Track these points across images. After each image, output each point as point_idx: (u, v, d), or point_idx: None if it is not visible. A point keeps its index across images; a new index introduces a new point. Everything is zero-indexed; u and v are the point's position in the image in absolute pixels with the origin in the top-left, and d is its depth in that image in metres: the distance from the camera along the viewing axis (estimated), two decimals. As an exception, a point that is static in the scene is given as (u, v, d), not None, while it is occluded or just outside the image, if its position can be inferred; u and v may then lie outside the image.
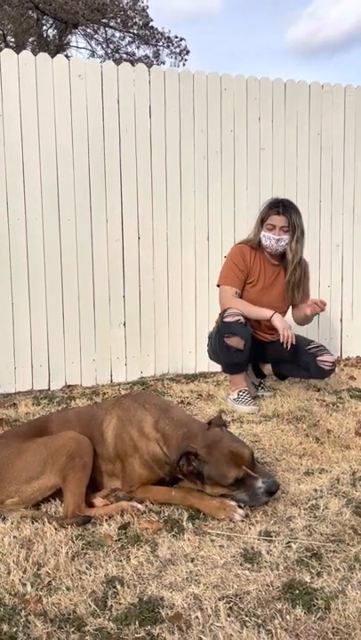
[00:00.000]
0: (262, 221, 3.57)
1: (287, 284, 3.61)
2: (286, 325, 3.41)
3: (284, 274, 3.62)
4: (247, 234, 3.73)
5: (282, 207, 3.52)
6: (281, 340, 3.38)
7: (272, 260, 3.63)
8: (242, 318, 3.41)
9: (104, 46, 17.99)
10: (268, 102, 4.59)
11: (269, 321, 3.43)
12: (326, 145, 4.80)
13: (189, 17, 32.70)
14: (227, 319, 3.42)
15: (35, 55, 3.98)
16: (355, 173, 4.90)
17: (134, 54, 17.79)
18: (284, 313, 3.66)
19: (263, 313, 3.46)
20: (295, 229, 3.51)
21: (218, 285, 3.68)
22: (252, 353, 3.54)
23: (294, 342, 3.41)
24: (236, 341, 3.39)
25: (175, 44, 17.62)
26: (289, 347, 3.38)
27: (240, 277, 3.58)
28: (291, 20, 40.68)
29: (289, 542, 1.91)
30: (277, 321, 3.41)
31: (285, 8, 40.99)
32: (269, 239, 3.51)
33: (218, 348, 3.52)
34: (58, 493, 2.17)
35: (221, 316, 3.51)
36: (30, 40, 17.11)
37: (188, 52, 17.76)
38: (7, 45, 15.76)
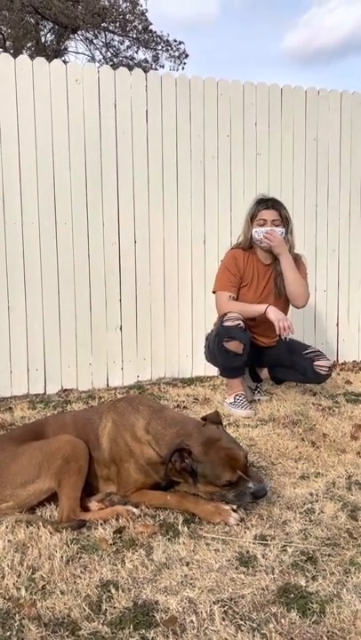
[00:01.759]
0: (252, 219, 3.59)
1: (278, 274, 3.61)
2: (281, 316, 3.39)
3: (276, 272, 3.63)
4: (240, 234, 3.75)
5: (271, 202, 3.58)
6: (278, 333, 3.37)
7: (265, 261, 3.64)
8: (241, 323, 3.40)
9: (103, 51, 18.07)
10: (265, 107, 4.61)
11: (265, 315, 3.42)
12: (322, 150, 4.82)
13: (185, 24, 32.93)
14: (226, 323, 3.41)
15: (32, 60, 3.99)
16: (351, 178, 4.92)
17: (133, 58, 17.88)
18: (281, 311, 3.66)
19: (257, 308, 3.46)
20: (289, 222, 3.57)
21: (213, 292, 3.69)
22: (249, 357, 3.54)
23: (293, 332, 3.40)
24: (235, 346, 3.39)
25: (174, 48, 17.72)
26: (288, 336, 3.38)
27: (234, 282, 3.59)
28: (288, 28, 41.01)
29: (284, 546, 1.91)
30: (271, 313, 3.40)
31: (282, 16, 41.30)
32: (262, 234, 3.53)
33: (216, 351, 3.52)
34: (53, 497, 2.17)
35: (220, 320, 3.51)
36: (28, 45, 17.15)
37: (187, 56, 17.87)
38: (5, 50, 15.79)
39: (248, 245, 3.63)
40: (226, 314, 3.47)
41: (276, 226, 3.53)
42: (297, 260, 3.66)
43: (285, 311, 3.68)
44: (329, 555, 1.86)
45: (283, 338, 3.38)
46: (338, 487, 2.38)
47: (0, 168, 3.93)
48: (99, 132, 4.16)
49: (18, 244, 4.01)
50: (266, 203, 3.58)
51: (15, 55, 4.04)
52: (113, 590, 1.66)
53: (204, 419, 2.31)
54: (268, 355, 3.72)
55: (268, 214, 3.54)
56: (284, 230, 3.55)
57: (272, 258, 3.64)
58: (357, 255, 5.00)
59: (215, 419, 2.30)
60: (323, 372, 3.53)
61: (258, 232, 3.55)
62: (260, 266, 3.65)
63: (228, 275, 3.59)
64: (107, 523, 2.07)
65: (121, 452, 2.25)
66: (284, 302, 3.67)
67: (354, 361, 5.05)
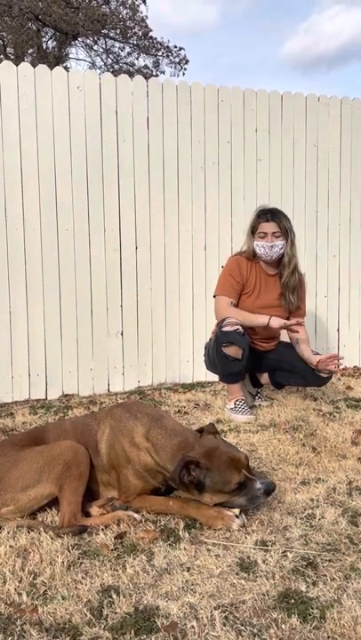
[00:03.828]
0: (253, 231, 3.59)
1: (283, 287, 3.61)
2: (283, 322, 3.44)
3: (279, 282, 3.64)
4: (244, 244, 3.75)
5: (270, 214, 3.55)
6: (289, 324, 3.44)
7: (268, 271, 3.64)
8: (240, 327, 3.41)
9: (104, 57, 18.16)
10: (265, 114, 4.64)
11: (267, 326, 3.44)
12: (323, 156, 4.84)
13: (186, 31, 33.13)
14: (225, 328, 3.42)
15: (34, 67, 4.01)
16: (351, 184, 4.94)
17: (134, 64, 17.96)
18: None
19: (260, 319, 3.47)
20: (288, 233, 3.54)
21: (214, 296, 3.69)
22: (249, 362, 3.55)
23: (302, 323, 3.50)
24: (234, 351, 3.40)
25: (175, 54, 17.79)
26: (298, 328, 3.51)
27: (236, 288, 3.59)
28: (288, 35, 41.19)
29: (285, 551, 1.91)
30: (275, 323, 3.42)
31: (282, 23, 41.51)
32: (263, 247, 3.53)
33: (216, 357, 3.52)
34: (54, 502, 2.17)
35: (219, 325, 3.51)
36: (30, 51, 17.23)
37: (187, 62, 17.95)
38: (7, 56, 15.87)
39: (252, 255, 3.63)
40: (224, 319, 3.48)
41: (277, 237, 3.53)
42: (300, 278, 3.68)
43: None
44: (329, 560, 1.87)
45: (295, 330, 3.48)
46: (338, 493, 2.38)
47: (2, 174, 3.96)
48: (100, 138, 4.19)
49: (19, 250, 4.02)
50: (266, 215, 3.55)
51: (17, 62, 4.06)
52: (114, 596, 1.67)
53: (200, 430, 2.32)
54: (267, 359, 3.73)
55: (269, 227, 3.52)
56: (283, 243, 3.54)
57: (276, 269, 3.64)
58: (358, 260, 5.02)
59: (211, 429, 2.31)
60: (323, 375, 3.55)
61: (259, 246, 3.55)
62: (265, 276, 3.65)
63: (231, 280, 3.60)
64: (108, 528, 2.08)
65: (118, 457, 2.26)
66: (283, 313, 3.67)
67: (355, 366, 5.06)
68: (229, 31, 41.98)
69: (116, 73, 4.66)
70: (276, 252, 3.53)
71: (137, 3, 16.91)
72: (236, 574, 1.79)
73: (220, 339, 3.43)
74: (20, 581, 1.76)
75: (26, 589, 1.71)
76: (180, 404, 3.85)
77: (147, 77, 4.43)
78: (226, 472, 2.07)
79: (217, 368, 3.65)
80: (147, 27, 17.36)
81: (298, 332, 3.52)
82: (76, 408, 3.81)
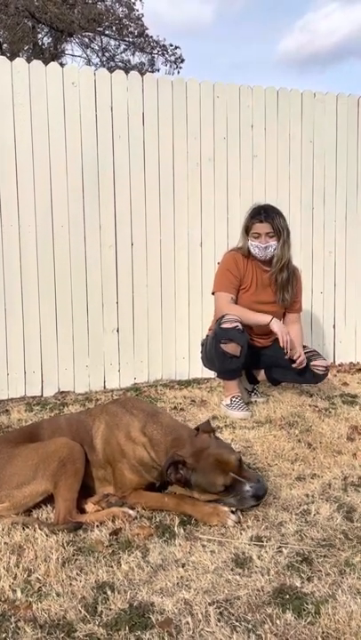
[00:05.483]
0: (247, 230, 3.58)
1: (274, 284, 3.61)
2: (285, 330, 3.43)
3: (275, 278, 3.64)
4: (239, 241, 3.74)
5: (264, 214, 3.52)
6: (281, 345, 3.39)
7: (264, 267, 3.64)
8: (239, 325, 3.40)
9: (99, 54, 18.09)
10: (261, 110, 4.63)
11: (267, 326, 3.43)
12: (318, 153, 4.83)
13: (182, 29, 33.06)
14: (224, 325, 3.41)
15: (28, 62, 4.00)
16: (347, 181, 4.93)
17: (129, 62, 17.90)
18: (279, 317, 3.67)
19: (261, 318, 3.46)
20: (281, 233, 3.52)
21: (213, 293, 3.69)
22: (246, 358, 3.54)
23: (295, 348, 3.44)
24: (232, 348, 3.39)
25: (170, 52, 17.75)
26: (290, 351, 3.40)
27: (234, 283, 3.59)
28: (284, 33, 41.15)
29: (280, 547, 1.91)
30: (275, 326, 3.41)
31: (278, 21, 41.45)
32: (257, 248, 3.52)
33: (214, 353, 3.51)
34: (49, 499, 2.17)
35: (218, 321, 3.50)
36: (25, 48, 17.15)
37: (182, 61, 17.90)
38: (2, 53, 15.79)
39: (247, 252, 3.62)
40: (224, 315, 3.47)
41: (271, 238, 3.52)
42: (295, 272, 3.68)
43: (281, 316, 3.71)
44: (324, 556, 1.87)
45: (285, 353, 3.40)
46: (334, 488, 2.39)
47: (-3, 171, 3.94)
48: (95, 135, 4.17)
49: (15, 247, 4.00)
50: (259, 216, 3.52)
51: (12, 59, 4.04)
52: (109, 592, 1.66)
53: (197, 429, 2.32)
54: (264, 355, 3.72)
55: (262, 228, 3.50)
56: (275, 244, 3.53)
57: (270, 266, 3.63)
58: (354, 257, 5.01)
59: (206, 428, 2.30)
60: (320, 372, 3.55)
61: (253, 246, 3.54)
62: (260, 271, 3.64)
63: (229, 276, 3.59)
64: (103, 525, 2.07)
65: (114, 452, 2.26)
66: (279, 310, 3.67)
67: (350, 362, 5.06)
68: (225, 30, 41.82)
69: (112, 69, 4.64)
70: (271, 253, 3.53)
71: (132, 0, 16.85)
72: (231, 570, 1.79)
73: (219, 336, 3.42)
74: (14, 578, 1.75)
75: (20, 586, 1.71)
76: (177, 401, 3.85)
77: (142, 74, 4.41)
78: (210, 474, 2.07)
79: (214, 365, 3.65)
80: (142, 25, 17.30)
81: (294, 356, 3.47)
82: (71, 405, 3.80)
